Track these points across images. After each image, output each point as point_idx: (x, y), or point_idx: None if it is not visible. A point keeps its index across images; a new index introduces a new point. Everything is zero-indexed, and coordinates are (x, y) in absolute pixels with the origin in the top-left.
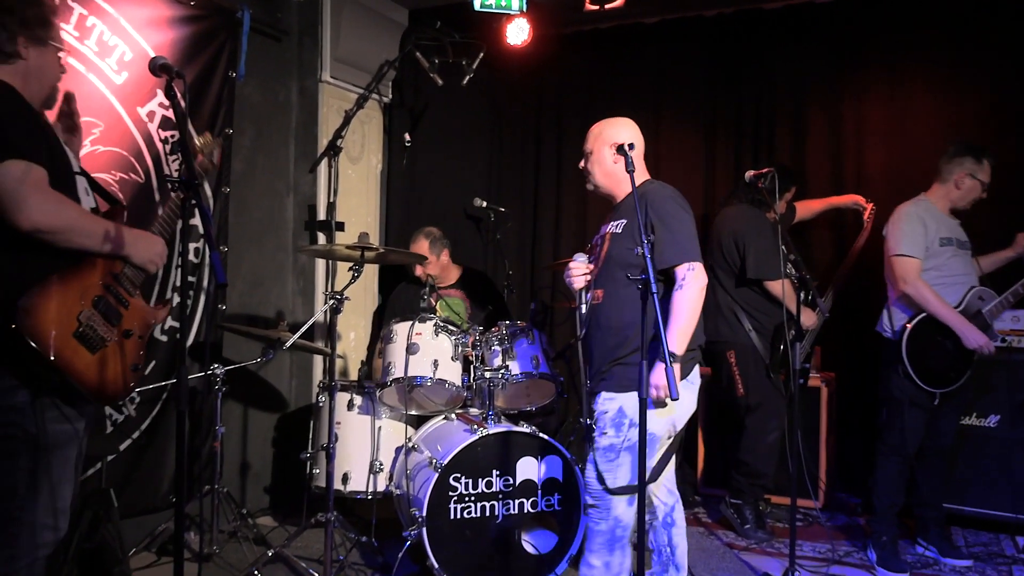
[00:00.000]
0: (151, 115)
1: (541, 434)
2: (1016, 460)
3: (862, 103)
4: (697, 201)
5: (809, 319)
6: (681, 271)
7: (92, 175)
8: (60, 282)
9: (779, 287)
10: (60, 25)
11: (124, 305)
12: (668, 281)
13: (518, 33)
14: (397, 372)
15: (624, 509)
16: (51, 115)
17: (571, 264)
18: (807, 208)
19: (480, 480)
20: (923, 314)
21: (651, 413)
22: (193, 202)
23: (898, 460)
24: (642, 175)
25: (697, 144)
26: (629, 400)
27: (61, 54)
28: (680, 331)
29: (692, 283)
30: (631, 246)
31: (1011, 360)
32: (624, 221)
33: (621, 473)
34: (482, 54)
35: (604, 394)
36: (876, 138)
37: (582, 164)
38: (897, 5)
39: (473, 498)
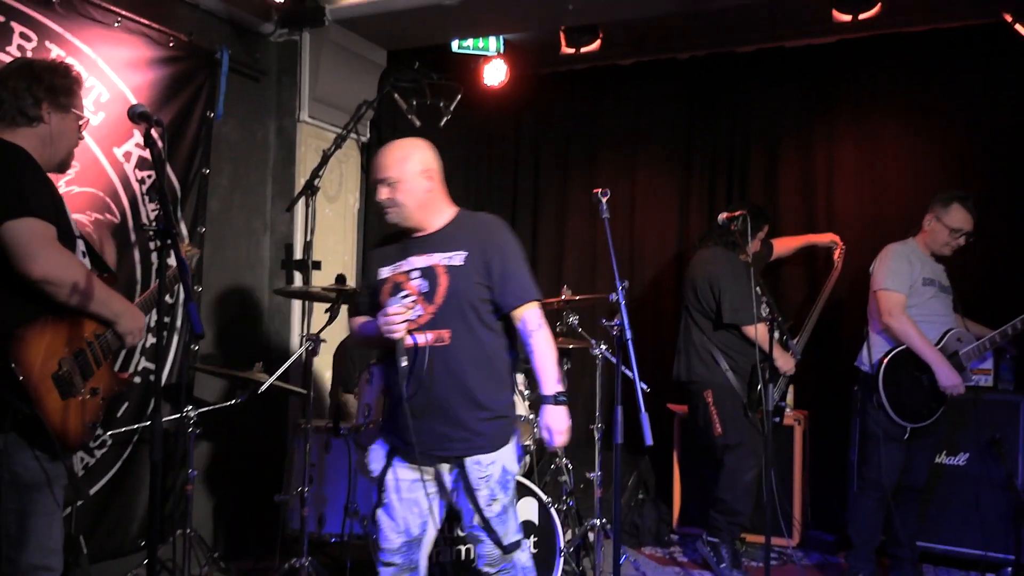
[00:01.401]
0: (127, 155)
1: (517, 476)
2: (985, 498)
3: (832, 144)
4: (672, 240)
5: (787, 363)
6: (531, 313)
7: (76, 223)
8: (51, 325)
9: (754, 331)
10: (82, 96)
11: (98, 364)
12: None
13: (495, 74)
14: (374, 414)
15: (525, 556)
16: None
17: (388, 310)
18: (785, 245)
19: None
20: (901, 347)
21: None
22: (171, 253)
23: (876, 495)
24: (449, 203)
25: (672, 184)
26: (507, 454)
27: (81, 122)
28: (555, 368)
29: (543, 322)
30: (481, 281)
31: (979, 399)
32: (465, 253)
33: (513, 525)
34: (460, 96)
35: (482, 458)
36: (846, 178)
37: (385, 194)
38: (865, 49)
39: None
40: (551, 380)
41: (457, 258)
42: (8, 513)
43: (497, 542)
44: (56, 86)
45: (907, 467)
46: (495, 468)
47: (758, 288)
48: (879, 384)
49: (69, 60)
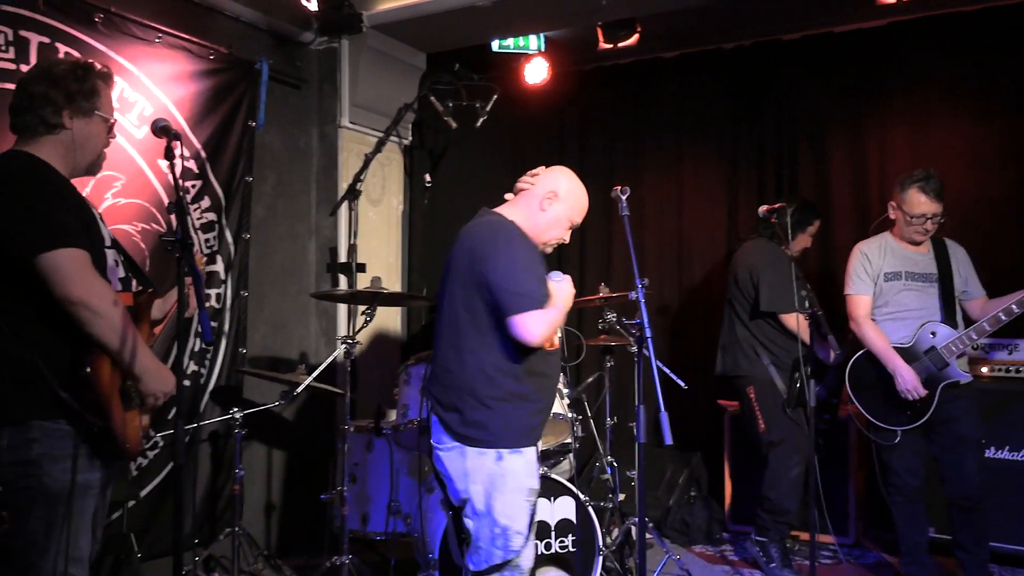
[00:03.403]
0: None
1: (553, 475)
2: None
3: (884, 132)
4: (721, 236)
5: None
6: None
7: (115, 235)
8: None
9: (793, 320)
10: (110, 95)
11: None
12: None
13: (536, 72)
14: (413, 413)
15: None
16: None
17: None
18: None
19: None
20: (860, 352)
21: None
22: (186, 267)
23: (901, 500)
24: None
25: (720, 178)
26: None
27: (110, 123)
28: None
29: None
30: None
31: None
32: None
33: None
34: (496, 96)
35: None
36: (899, 167)
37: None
38: (916, 31)
39: None
40: None
41: None
42: (37, 520)
43: None
44: (73, 91)
45: (943, 477)
46: None
47: (798, 281)
48: (848, 391)
49: (114, 78)
